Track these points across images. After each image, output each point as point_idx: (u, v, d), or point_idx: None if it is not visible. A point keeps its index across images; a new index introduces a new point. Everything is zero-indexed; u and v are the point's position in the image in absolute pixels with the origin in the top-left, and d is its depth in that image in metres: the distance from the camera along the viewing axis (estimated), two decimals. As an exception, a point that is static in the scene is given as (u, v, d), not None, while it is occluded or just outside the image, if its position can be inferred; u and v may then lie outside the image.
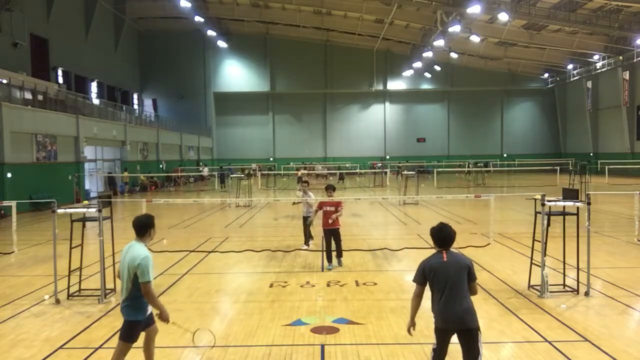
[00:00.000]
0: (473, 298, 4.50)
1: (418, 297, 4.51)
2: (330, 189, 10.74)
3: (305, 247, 12.06)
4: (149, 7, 48.34)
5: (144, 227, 4.89)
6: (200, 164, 45.92)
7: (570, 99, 53.88)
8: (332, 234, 10.12)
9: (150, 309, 4.96)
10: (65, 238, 8.48)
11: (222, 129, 56.11)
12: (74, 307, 7.79)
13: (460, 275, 4.36)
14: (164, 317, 4.81)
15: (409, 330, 4.62)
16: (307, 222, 12.02)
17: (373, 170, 43.88)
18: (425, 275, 4.43)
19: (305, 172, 41.27)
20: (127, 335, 4.87)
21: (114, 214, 12.02)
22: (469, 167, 43.29)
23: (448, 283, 4.32)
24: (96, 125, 29.67)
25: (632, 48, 40.32)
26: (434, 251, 4.64)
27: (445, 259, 4.40)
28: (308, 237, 12.23)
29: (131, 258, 4.71)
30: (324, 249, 10.36)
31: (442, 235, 4.52)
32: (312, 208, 11.44)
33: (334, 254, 10.18)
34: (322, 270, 10.01)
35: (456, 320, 4.33)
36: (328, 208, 10.11)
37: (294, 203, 13.38)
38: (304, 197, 12.17)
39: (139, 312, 4.82)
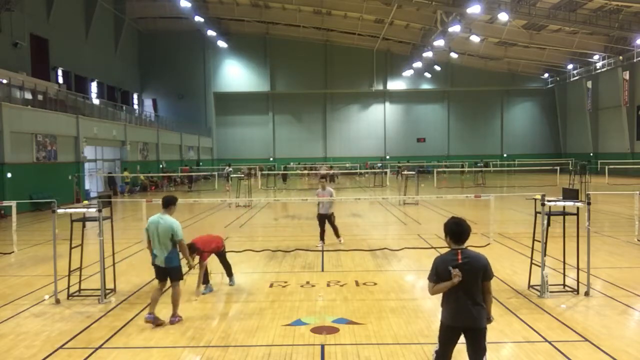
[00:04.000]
0: None
1: (435, 288, 4.37)
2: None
3: (341, 240, 12.51)
4: (149, 7, 48.34)
5: (168, 203, 7.26)
6: (227, 164, 44.58)
7: (570, 99, 53.89)
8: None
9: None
10: (65, 238, 8.48)
11: (222, 129, 56.12)
12: (74, 307, 7.79)
13: (476, 276, 4.24)
14: (191, 265, 7.51)
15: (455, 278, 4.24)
16: (332, 220, 12.48)
17: (366, 170, 43.89)
18: (438, 274, 4.32)
19: (306, 172, 41.31)
20: (179, 275, 7.12)
21: (114, 214, 12.02)
22: (462, 167, 43.29)
23: (462, 284, 4.21)
24: (96, 125, 29.67)
25: (632, 48, 40.32)
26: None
27: (460, 261, 4.23)
28: (337, 230, 12.64)
29: (167, 224, 6.94)
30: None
31: (459, 230, 4.32)
32: (331, 205, 12.30)
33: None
34: (322, 270, 10.02)
35: (467, 319, 4.27)
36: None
37: (318, 214, 12.76)
38: (322, 193, 12.47)
39: (176, 259, 7.06)
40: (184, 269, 7.34)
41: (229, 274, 9.03)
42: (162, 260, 6.96)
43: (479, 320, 4.27)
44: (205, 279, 8.64)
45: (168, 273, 7.05)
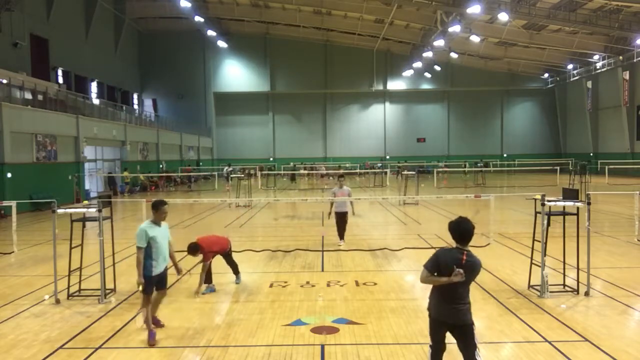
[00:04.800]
0: (473, 298, 4.53)
1: (428, 277, 4.43)
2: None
3: (342, 243, 12.36)
4: (149, 7, 48.33)
5: (152, 207, 6.66)
6: (227, 164, 44.34)
7: (570, 99, 53.89)
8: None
9: (161, 269, 6.56)
10: (65, 238, 8.48)
11: (222, 129, 56.12)
12: (74, 307, 7.79)
13: (470, 278, 4.36)
14: (136, 281, 6.39)
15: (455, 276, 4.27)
16: (345, 218, 12.44)
17: (366, 171, 43.81)
18: (437, 267, 4.36)
19: (305, 172, 41.33)
20: (144, 289, 6.43)
21: (114, 214, 12.02)
22: (465, 166, 43.29)
23: (458, 284, 4.30)
24: (96, 125, 29.66)
25: (632, 48, 40.31)
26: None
27: (463, 262, 4.30)
28: (344, 232, 12.55)
29: None
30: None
31: (461, 230, 4.39)
32: (347, 203, 12.28)
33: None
34: (322, 270, 10.02)
35: (452, 315, 4.37)
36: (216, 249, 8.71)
37: (329, 214, 12.77)
38: (340, 192, 12.50)
39: (145, 270, 6.38)
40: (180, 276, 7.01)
41: (236, 272, 9.10)
42: None
43: (464, 316, 4.37)
44: (208, 278, 8.62)
45: None
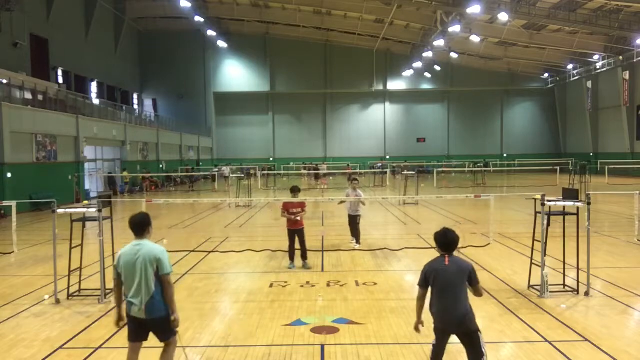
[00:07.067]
0: (474, 299, 4.60)
1: (421, 300, 4.67)
2: (295, 190, 10.79)
3: (358, 245, 12.19)
4: (149, 7, 48.35)
5: (142, 226, 4.77)
6: (224, 164, 44.27)
7: (570, 99, 53.89)
8: (296, 234, 10.24)
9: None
10: (65, 238, 8.48)
11: (222, 129, 56.11)
12: (74, 307, 7.79)
13: (460, 279, 4.49)
14: (173, 320, 4.74)
15: (417, 328, 4.71)
16: (357, 221, 12.35)
17: (365, 171, 43.78)
18: (427, 278, 4.58)
19: (306, 172, 41.33)
20: (170, 330, 4.77)
21: (114, 214, 12.00)
22: (472, 166, 43.27)
23: (448, 286, 4.46)
24: (96, 125, 29.66)
25: (632, 48, 40.30)
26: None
27: (447, 263, 4.53)
28: (359, 235, 12.40)
29: (148, 254, 4.65)
30: (288, 249, 10.40)
31: (446, 241, 4.63)
32: (360, 207, 12.41)
33: (297, 253, 10.30)
34: (322, 270, 10.02)
35: (454, 323, 4.45)
36: (293, 210, 10.25)
37: (340, 202, 13.28)
38: (354, 194, 12.42)
39: (165, 305, 4.69)
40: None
41: (304, 256, 10.20)
42: (142, 308, 4.69)
43: (466, 324, 4.44)
44: (304, 254, 10.15)
45: (154, 327, 4.79)
